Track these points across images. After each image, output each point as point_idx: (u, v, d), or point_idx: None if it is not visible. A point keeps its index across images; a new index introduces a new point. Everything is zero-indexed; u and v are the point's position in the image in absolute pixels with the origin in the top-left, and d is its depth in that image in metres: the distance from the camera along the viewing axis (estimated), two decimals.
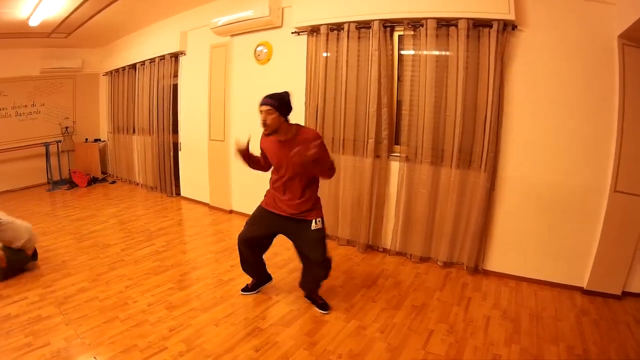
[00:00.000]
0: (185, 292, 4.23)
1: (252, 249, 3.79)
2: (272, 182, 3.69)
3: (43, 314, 3.93)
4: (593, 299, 3.88)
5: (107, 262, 4.99)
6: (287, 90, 3.39)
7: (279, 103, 3.26)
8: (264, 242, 3.83)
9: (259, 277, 4.07)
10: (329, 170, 3.45)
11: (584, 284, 4.02)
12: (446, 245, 4.46)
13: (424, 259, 4.66)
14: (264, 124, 3.30)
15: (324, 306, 3.74)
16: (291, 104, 3.37)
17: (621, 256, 3.86)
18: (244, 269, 4.00)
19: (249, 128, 5.99)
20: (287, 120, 3.35)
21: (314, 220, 3.48)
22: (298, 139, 3.33)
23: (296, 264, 4.41)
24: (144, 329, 3.55)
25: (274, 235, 3.76)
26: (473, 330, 3.36)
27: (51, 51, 9.74)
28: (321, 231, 3.52)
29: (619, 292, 3.90)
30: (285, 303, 3.89)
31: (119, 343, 3.35)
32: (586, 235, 3.98)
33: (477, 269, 4.37)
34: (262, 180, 5.15)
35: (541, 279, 4.18)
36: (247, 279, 4.16)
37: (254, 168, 3.85)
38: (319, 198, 3.65)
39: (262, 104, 3.30)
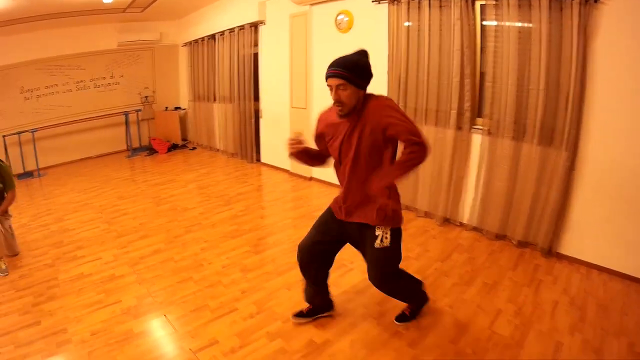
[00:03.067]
0: (260, 256, 4.57)
1: (312, 262, 3.17)
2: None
3: (116, 273, 4.42)
4: None
5: (185, 225, 5.51)
6: (363, 49, 2.72)
7: (354, 72, 2.52)
8: (329, 254, 3.21)
9: (319, 302, 3.43)
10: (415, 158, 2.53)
11: None
12: (522, 224, 4.56)
13: (499, 237, 4.80)
14: (339, 103, 2.58)
15: (402, 317, 3.37)
16: (370, 69, 2.63)
17: None
18: (304, 289, 3.40)
19: (329, 98, 6.28)
20: (365, 92, 2.63)
21: (379, 235, 2.79)
22: (364, 114, 2.60)
23: None
24: (216, 290, 3.94)
25: (341, 244, 3.17)
26: (540, 314, 3.47)
27: (128, 25, 10.45)
28: (385, 252, 2.83)
29: None
30: (359, 271, 4.14)
31: (190, 302, 3.76)
32: None
33: (551, 252, 4.44)
34: None
35: (613, 268, 4.15)
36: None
37: (315, 165, 3.11)
38: (395, 198, 2.83)
39: (331, 75, 2.58)
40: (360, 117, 2.60)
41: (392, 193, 2.77)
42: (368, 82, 2.59)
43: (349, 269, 4.20)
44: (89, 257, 4.83)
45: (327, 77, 2.58)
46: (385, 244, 2.76)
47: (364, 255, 3.00)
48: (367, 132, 2.58)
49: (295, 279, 3.96)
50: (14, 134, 9.44)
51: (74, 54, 10.06)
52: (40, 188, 8.29)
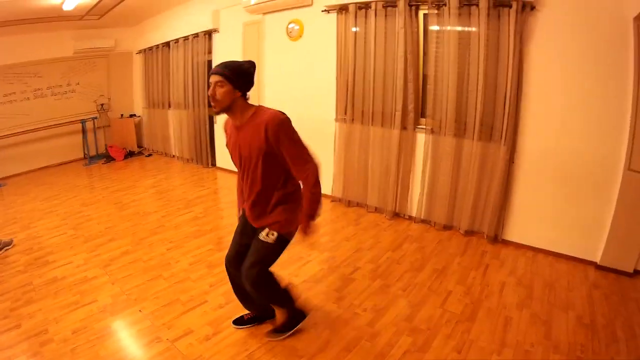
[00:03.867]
0: (223, 253, 4.70)
1: (238, 271, 3.12)
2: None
3: (89, 275, 4.52)
4: (606, 275, 4.10)
5: (149, 228, 5.62)
6: (251, 60, 2.81)
7: (234, 74, 2.64)
8: None
9: (258, 309, 3.46)
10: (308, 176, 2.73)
11: (597, 259, 4.22)
12: (468, 215, 4.84)
13: (447, 227, 5.07)
14: (213, 99, 2.66)
15: (273, 330, 3.30)
16: (252, 77, 2.77)
17: (634, 235, 4.04)
18: (238, 298, 3.41)
19: (283, 100, 6.65)
20: (244, 98, 2.75)
21: (266, 231, 2.89)
22: (254, 122, 2.72)
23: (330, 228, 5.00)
24: (186, 285, 4.12)
25: None
26: (488, 293, 3.74)
27: (84, 32, 10.36)
28: (266, 246, 2.90)
29: (630, 270, 4.08)
30: (316, 262, 4.44)
31: (163, 297, 3.92)
32: (600, 211, 4.17)
33: (497, 239, 4.73)
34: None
35: (557, 251, 4.45)
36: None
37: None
38: (291, 208, 2.92)
39: (213, 73, 2.66)
40: (251, 128, 2.71)
41: (288, 210, 2.88)
42: (247, 86, 2.71)
43: (307, 261, 4.42)
44: (60, 261, 4.87)
45: (210, 74, 2.67)
46: (268, 240, 2.85)
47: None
48: (259, 144, 2.68)
49: None
50: None
51: (31, 61, 9.95)
52: (1, 198, 8.21)
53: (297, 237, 2.88)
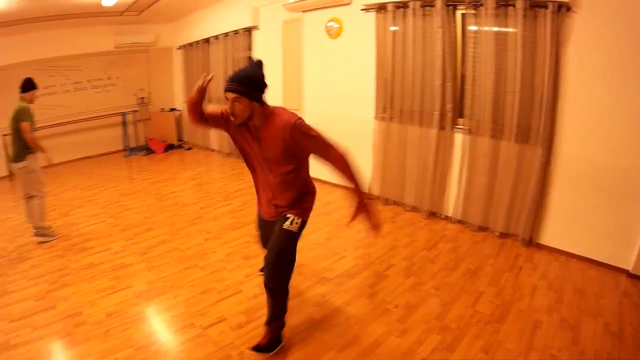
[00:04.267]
0: (256, 246, 4.94)
1: None
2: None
3: (126, 262, 4.78)
4: (637, 283, 4.09)
5: (187, 219, 5.87)
6: (258, 60, 2.90)
7: (247, 86, 2.70)
8: None
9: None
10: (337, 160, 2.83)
11: (630, 267, 4.19)
12: (503, 217, 4.88)
13: (482, 228, 5.12)
14: (233, 115, 2.75)
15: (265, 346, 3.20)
16: (264, 80, 2.82)
17: None
18: None
19: (323, 98, 6.84)
20: (261, 104, 2.80)
21: (290, 218, 3.03)
22: (272, 127, 2.82)
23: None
24: (222, 274, 4.32)
25: None
26: (519, 296, 3.79)
27: (124, 28, 10.77)
28: (290, 235, 3.03)
29: None
30: (351, 258, 4.60)
31: (198, 286, 4.13)
32: (635, 219, 4.13)
33: (531, 242, 4.75)
34: (343, 143, 5.74)
35: (590, 257, 4.43)
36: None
37: (192, 112, 3.07)
38: (307, 196, 3.18)
39: (227, 90, 2.72)
40: (270, 132, 2.81)
41: (308, 200, 3.14)
42: (262, 93, 2.78)
43: (342, 256, 4.58)
44: (97, 248, 5.15)
45: (225, 91, 2.73)
46: (292, 228, 3.00)
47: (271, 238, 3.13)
48: (281, 149, 2.80)
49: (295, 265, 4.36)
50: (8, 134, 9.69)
51: (72, 55, 10.34)
52: None
53: (362, 220, 2.98)
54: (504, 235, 4.94)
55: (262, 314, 3.55)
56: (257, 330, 3.40)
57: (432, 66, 5.24)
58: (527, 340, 3.18)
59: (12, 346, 3.59)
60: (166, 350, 3.29)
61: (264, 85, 2.80)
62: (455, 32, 5.09)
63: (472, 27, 4.88)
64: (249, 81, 2.72)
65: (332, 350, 3.17)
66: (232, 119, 2.79)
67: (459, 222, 5.35)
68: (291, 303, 3.63)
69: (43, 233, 5.49)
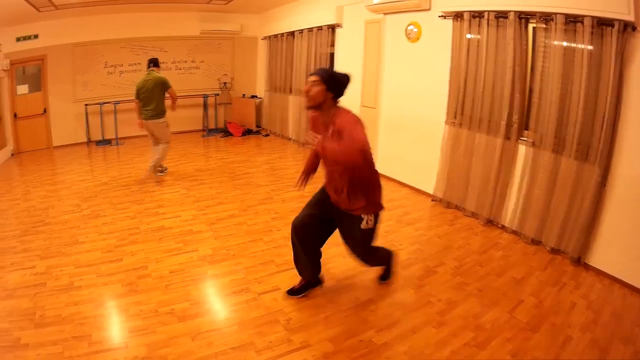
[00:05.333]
0: None
1: (308, 237, 3.74)
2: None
3: (194, 229, 5.42)
4: None
5: (258, 198, 6.51)
6: (347, 74, 3.29)
7: (330, 78, 3.15)
8: (323, 229, 3.80)
9: (312, 274, 3.99)
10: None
11: None
12: (556, 233, 5.00)
13: (535, 241, 5.27)
14: (307, 95, 3.19)
15: (384, 276, 4.27)
16: (345, 86, 3.26)
17: None
18: (296, 265, 3.99)
19: (398, 98, 7.27)
20: (334, 101, 3.24)
21: (364, 218, 3.43)
22: (333, 120, 3.19)
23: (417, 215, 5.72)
24: (283, 250, 4.82)
25: (333, 223, 3.75)
26: (557, 310, 3.95)
27: (211, 15, 11.65)
28: (369, 232, 3.53)
29: None
30: (406, 252, 5.03)
31: (259, 257, 4.73)
32: None
33: (579, 261, 4.82)
34: (406, 147, 6.81)
35: (634, 285, 4.41)
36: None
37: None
38: (373, 191, 3.51)
39: (311, 73, 3.23)
40: (334, 124, 3.14)
41: (371, 190, 3.46)
42: (338, 92, 3.20)
43: (397, 249, 4.96)
44: (169, 214, 5.83)
45: (309, 74, 3.24)
46: (369, 226, 3.47)
47: (346, 233, 3.67)
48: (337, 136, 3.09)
49: None
50: (97, 104, 10.89)
51: (158, 37, 11.38)
52: (119, 155, 9.63)
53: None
54: (554, 250, 5.06)
55: (315, 288, 4.12)
56: (306, 303, 3.96)
57: (502, 77, 5.47)
58: (555, 353, 3.35)
59: (76, 287, 4.22)
60: (220, 308, 3.89)
61: (343, 87, 3.23)
62: (526, 45, 5.30)
63: (542, 42, 5.07)
64: (333, 76, 3.18)
65: (372, 330, 3.58)
66: (305, 100, 3.24)
67: (514, 232, 5.54)
68: (342, 283, 4.27)
69: (162, 170, 7.79)
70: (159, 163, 7.56)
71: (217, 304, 3.96)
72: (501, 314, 3.85)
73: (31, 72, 10.67)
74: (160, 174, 7.74)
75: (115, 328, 3.70)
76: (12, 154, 10.32)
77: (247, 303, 3.88)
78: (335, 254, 4.70)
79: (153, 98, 7.21)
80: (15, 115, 10.36)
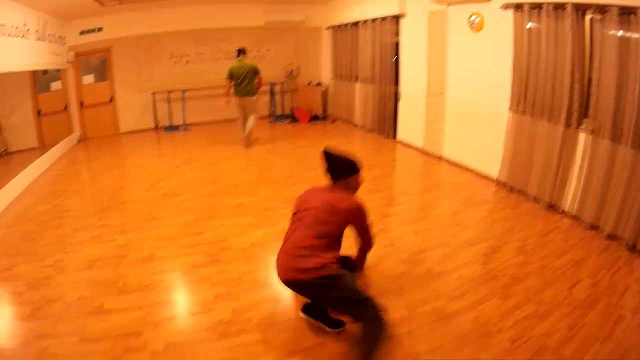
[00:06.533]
0: (395, 208, 6.14)
1: None
2: None
3: (272, 206, 5.98)
4: None
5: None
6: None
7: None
8: None
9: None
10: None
11: None
12: (613, 220, 5.20)
13: (593, 227, 5.50)
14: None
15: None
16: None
17: None
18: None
19: (463, 86, 7.75)
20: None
21: None
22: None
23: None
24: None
25: None
26: (611, 292, 4.16)
27: (275, 7, 12.26)
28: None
29: None
30: (471, 231, 5.54)
31: None
32: None
33: (634, 248, 4.98)
34: (471, 133, 7.32)
35: None
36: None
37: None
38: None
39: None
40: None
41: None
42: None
43: (464, 228, 5.58)
44: (245, 193, 6.42)
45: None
46: None
47: None
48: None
49: (423, 227, 5.56)
50: (164, 92, 11.78)
51: (223, 27, 12.11)
52: (187, 140, 10.49)
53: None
54: (611, 236, 5.25)
55: (392, 260, 4.70)
56: (386, 273, 4.49)
57: (562, 67, 5.75)
58: (608, 330, 3.59)
59: (158, 258, 4.82)
60: None
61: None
62: (584, 36, 5.58)
63: (599, 32, 5.31)
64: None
65: (441, 300, 4.04)
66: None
67: (573, 217, 5.80)
68: (415, 257, 4.83)
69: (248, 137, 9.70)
70: (251, 133, 9.73)
71: None
72: (560, 291, 4.17)
73: (96, 63, 11.72)
74: (247, 140, 9.76)
75: (199, 294, 4.24)
76: (78, 140, 11.40)
77: None
78: (409, 231, 5.35)
79: (247, 80, 9.54)
80: (81, 104, 11.43)
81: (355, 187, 3.82)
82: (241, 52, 9.77)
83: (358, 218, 3.66)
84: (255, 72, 9.65)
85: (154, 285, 4.38)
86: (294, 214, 3.70)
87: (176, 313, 4.03)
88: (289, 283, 3.36)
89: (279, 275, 3.42)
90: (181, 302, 4.26)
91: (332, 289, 3.20)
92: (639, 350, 3.41)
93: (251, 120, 9.67)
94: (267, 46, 12.92)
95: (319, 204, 3.53)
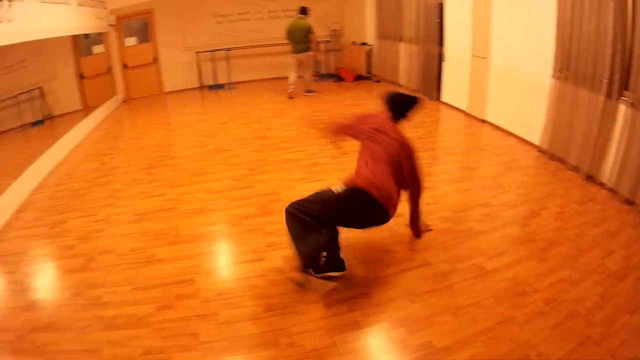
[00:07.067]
0: (437, 168, 6.45)
1: None
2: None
3: (319, 162, 6.20)
4: None
5: None
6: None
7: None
8: None
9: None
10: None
11: None
12: None
13: (629, 202, 5.52)
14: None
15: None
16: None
17: None
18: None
19: (507, 50, 7.81)
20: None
21: None
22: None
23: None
24: None
25: None
26: None
27: None
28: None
29: None
30: (514, 194, 5.82)
31: None
32: None
33: None
34: (514, 98, 7.46)
35: None
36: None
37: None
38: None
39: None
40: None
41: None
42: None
43: (506, 191, 5.86)
44: (293, 149, 6.68)
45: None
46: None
47: None
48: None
49: (466, 186, 5.95)
50: (208, 51, 12.10)
51: None
52: (232, 98, 10.87)
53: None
54: None
55: (435, 217, 5.04)
56: (427, 235, 4.75)
57: (605, 36, 5.70)
58: (637, 303, 3.67)
59: (209, 210, 5.12)
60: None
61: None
62: (625, 6, 5.48)
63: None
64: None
65: (483, 257, 4.33)
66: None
67: (611, 190, 5.84)
68: (457, 215, 5.22)
69: (310, 90, 11.06)
70: (309, 85, 11.30)
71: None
72: (594, 260, 4.31)
73: (138, 25, 12.14)
74: (310, 93, 11.11)
75: (251, 243, 4.52)
76: (123, 101, 11.92)
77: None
78: (450, 190, 5.69)
79: (301, 37, 10.73)
80: (125, 66, 11.90)
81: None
82: (302, 11, 10.96)
83: (412, 158, 4.17)
84: (307, 31, 10.76)
85: (206, 236, 4.70)
86: (364, 132, 4.35)
87: (228, 261, 4.36)
88: (354, 191, 3.74)
89: (350, 181, 3.86)
90: (233, 251, 4.56)
91: (372, 217, 3.82)
92: None
93: (306, 75, 11.12)
94: (311, 5, 12.62)
95: (390, 142, 4.09)
